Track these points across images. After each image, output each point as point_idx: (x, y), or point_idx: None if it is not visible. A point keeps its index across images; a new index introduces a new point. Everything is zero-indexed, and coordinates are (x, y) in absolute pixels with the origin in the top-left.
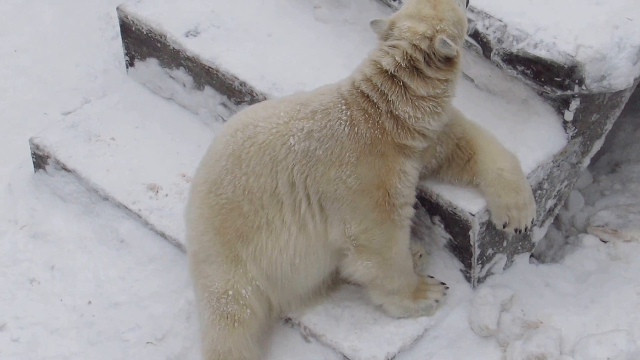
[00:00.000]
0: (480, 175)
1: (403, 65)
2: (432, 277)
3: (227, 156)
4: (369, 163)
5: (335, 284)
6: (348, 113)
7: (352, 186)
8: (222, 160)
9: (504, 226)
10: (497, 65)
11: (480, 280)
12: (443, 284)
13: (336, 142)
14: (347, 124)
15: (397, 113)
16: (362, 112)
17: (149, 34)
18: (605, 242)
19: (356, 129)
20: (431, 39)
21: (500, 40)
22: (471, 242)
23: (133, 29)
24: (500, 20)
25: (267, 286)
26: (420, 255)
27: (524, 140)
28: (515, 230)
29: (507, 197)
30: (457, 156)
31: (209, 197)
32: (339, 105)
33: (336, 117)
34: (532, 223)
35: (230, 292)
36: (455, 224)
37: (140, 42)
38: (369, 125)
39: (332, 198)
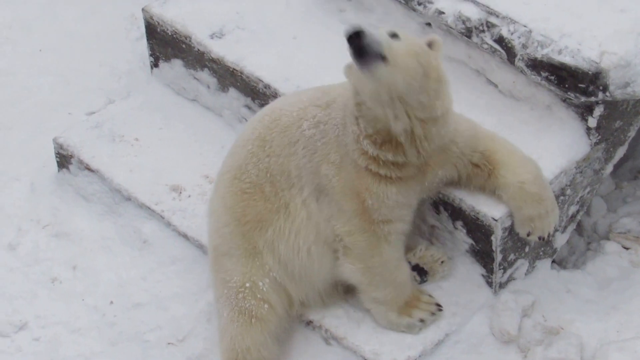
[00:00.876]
0: (502, 189)
1: None
2: (431, 295)
3: (253, 140)
4: (348, 171)
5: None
6: (341, 114)
7: (336, 186)
8: (248, 145)
9: (528, 235)
10: (521, 71)
11: (501, 286)
12: (438, 305)
13: (329, 140)
14: (337, 125)
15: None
16: (345, 118)
17: (174, 35)
18: (627, 248)
19: (340, 134)
20: None
21: (524, 46)
22: (493, 247)
23: (158, 30)
24: (525, 26)
25: (285, 277)
26: (442, 262)
27: (547, 146)
28: (539, 238)
29: (530, 209)
30: (476, 175)
31: (233, 183)
32: (341, 104)
33: (336, 116)
34: (554, 229)
35: (247, 285)
36: (478, 229)
37: (165, 43)
38: (345, 132)
39: (324, 192)
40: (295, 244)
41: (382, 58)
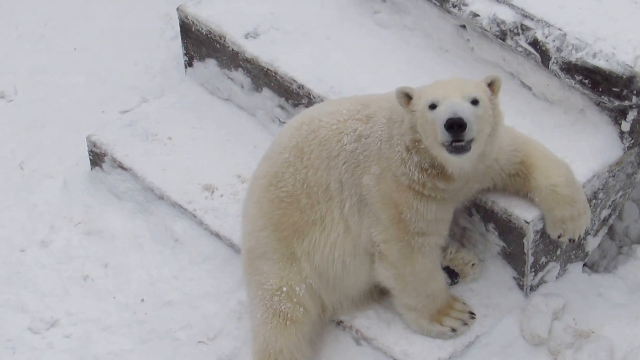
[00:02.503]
0: (534, 192)
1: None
2: (465, 303)
3: (290, 148)
4: (387, 183)
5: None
6: (384, 129)
7: (375, 196)
8: (285, 153)
9: (559, 237)
10: (555, 75)
11: (532, 288)
12: (471, 313)
13: (371, 152)
14: (380, 139)
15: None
16: (390, 134)
17: (209, 35)
18: None
19: (383, 147)
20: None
21: (559, 49)
22: (525, 250)
23: (193, 29)
24: (559, 30)
25: (320, 285)
26: (473, 264)
27: (580, 149)
28: (569, 240)
29: (562, 211)
30: (513, 182)
31: (269, 190)
32: (384, 118)
33: (378, 129)
34: (585, 232)
35: (285, 289)
36: (510, 232)
37: (199, 43)
38: (391, 149)
39: (364, 202)
40: (330, 256)
41: (473, 141)
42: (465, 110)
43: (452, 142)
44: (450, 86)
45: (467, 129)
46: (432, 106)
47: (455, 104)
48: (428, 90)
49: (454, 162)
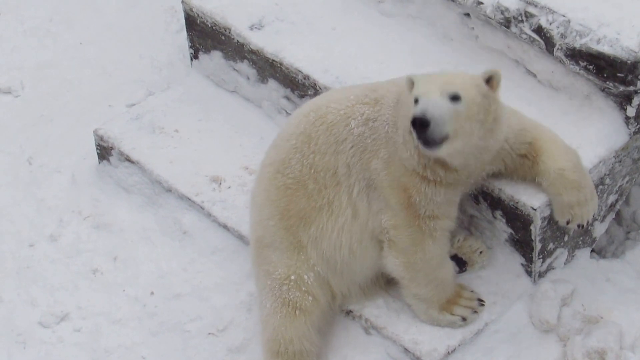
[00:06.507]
0: (542, 176)
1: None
2: (473, 291)
3: (297, 135)
4: (395, 166)
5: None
6: (392, 112)
7: (384, 180)
8: (292, 139)
9: (567, 223)
10: (559, 61)
11: (541, 275)
12: (480, 300)
13: (379, 136)
14: (387, 123)
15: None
16: (396, 116)
17: (214, 27)
18: None
19: (390, 130)
20: None
21: (563, 36)
22: (532, 237)
23: (198, 21)
24: (563, 16)
25: (328, 271)
26: (481, 252)
27: (586, 135)
28: (578, 225)
29: (569, 196)
30: (522, 164)
31: (276, 177)
32: (392, 102)
33: (385, 112)
34: (593, 218)
35: (293, 278)
36: (517, 219)
37: (204, 35)
38: (397, 132)
39: (373, 186)
40: (337, 241)
41: (446, 137)
42: (436, 109)
43: (422, 143)
44: (434, 81)
45: (430, 127)
46: (416, 101)
47: (428, 102)
48: (419, 83)
49: (431, 154)
